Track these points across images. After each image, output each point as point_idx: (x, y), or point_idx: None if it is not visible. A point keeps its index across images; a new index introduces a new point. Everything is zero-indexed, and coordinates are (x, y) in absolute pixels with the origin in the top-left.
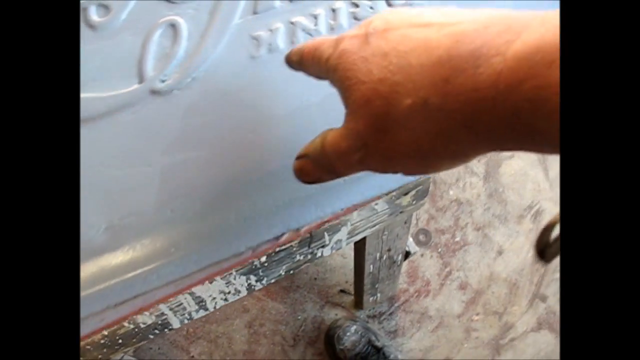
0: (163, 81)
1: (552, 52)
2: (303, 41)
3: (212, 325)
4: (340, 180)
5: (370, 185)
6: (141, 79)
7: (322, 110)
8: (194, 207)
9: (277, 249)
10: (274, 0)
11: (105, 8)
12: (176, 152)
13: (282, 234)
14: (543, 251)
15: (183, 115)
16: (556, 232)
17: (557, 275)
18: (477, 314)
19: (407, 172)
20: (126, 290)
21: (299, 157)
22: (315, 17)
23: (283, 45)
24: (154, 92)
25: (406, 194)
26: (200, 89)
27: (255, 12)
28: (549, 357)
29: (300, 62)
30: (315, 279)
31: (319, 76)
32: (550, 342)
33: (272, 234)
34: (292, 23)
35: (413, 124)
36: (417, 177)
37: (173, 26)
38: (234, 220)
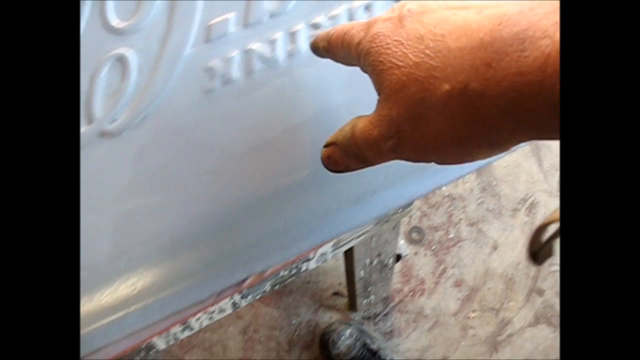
0: (112, 122)
1: None
2: (259, 70)
3: (206, 333)
4: (307, 218)
5: (339, 222)
6: (89, 119)
7: (281, 147)
8: (151, 256)
9: None
10: (227, 25)
11: None
12: (129, 198)
13: (246, 278)
14: (536, 254)
15: (135, 157)
16: (548, 233)
17: (554, 268)
18: (474, 311)
19: (442, 162)
20: (85, 344)
21: (327, 145)
22: (273, 42)
23: (238, 76)
24: (104, 134)
25: None
26: (152, 128)
27: (208, 40)
28: (547, 351)
29: (327, 48)
30: (308, 282)
31: (349, 62)
32: (548, 336)
33: (236, 278)
34: (247, 51)
35: (451, 110)
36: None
37: (122, 60)
38: (194, 268)
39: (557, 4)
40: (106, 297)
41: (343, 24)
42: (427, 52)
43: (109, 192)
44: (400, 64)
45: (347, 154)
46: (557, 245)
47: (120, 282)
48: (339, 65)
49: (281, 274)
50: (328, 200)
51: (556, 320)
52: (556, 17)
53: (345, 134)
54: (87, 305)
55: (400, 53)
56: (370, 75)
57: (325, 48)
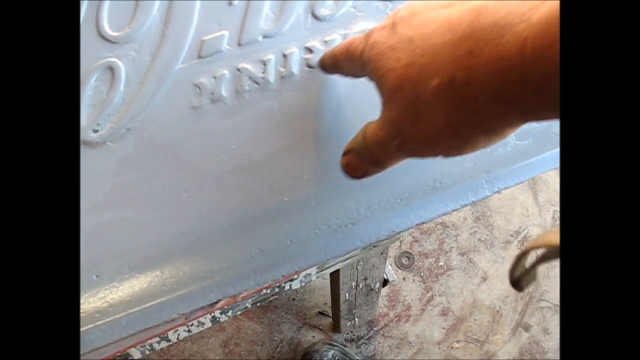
0: (96, 131)
1: None
2: (249, 90)
3: (186, 343)
4: (284, 244)
5: (315, 251)
6: None
7: (263, 170)
8: (121, 272)
9: None
10: (221, 43)
11: None
12: (104, 211)
13: (218, 301)
14: (518, 280)
15: (115, 170)
16: (531, 259)
17: (542, 304)
18: (458, 342)
19: (445, 154)
20: None
21: (345, 154)
22: (265, 63)
23: (227, 95)
24: (85, 143)
25: None
26: (135, 141)
27: (200, 56)
28: None
29: (334, 64)
30: (294, 299)
31: (355, 74)
32: None
33: (207, 300)
34: (238, 69)
35: (442, 102)
36: (368, 240)
37: (111, 69)
38: (166, 286)
39: None
40: None
41: (346, 39)
42: (417, 51)
43: (85, 203)
44: (395, 67)
45: (363, 159)
46: (540, 271)
47: (90, 295)
48: (329, 91)
49: (264, 292)
50: (307, 228)
51: (541, 357)
52: (532, 3)
53: (359, 140)
54: None
55: (394, 57)
56: (373, 82)
57: (332, 64)
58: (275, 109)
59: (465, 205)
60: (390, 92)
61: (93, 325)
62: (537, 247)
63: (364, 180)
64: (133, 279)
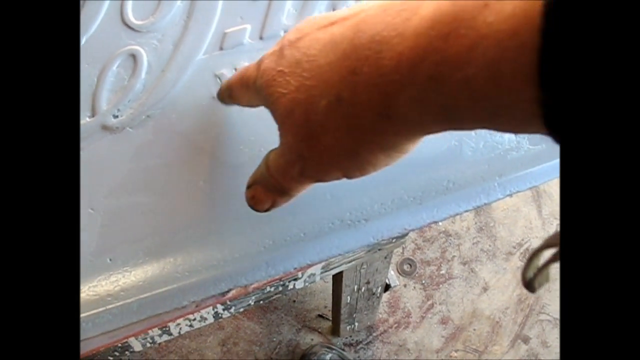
0: (116, 117)
1: (447, 24)
2: None
3: (185, 340)
4: (297, 237)
5: (327, 246)
6: (93, 112)
7: None
8: (135, 257)
9: None
10: (243, 36)
11: None
12: (122, 195)
13: (229, 290)
14: (531, 281)
15: (133, 155)
16: (543, 259)
17: (542, 317)
18: (457, 351)
19: (349, 175)
20: None
21: (248, 187)
22: None
23: None
24: (105, 128)
25: None
26: (154, 128)
27: (221, 48)
28: None
29: (231, 95)
30: (294, 301)
31: (252, 104)
32: None
33: (219, 289)
34: None
35: (334, 123)
36: (381, 236)
37: (133, 57)
38: (178, 273)
39: (410, 2)
40: (86, 291)
41: (240, 68)
42: (304, 74)
43: (102, 186)
44: (285, 91)
45: (268, 190)
46: (552, 271)
47: (102, 278)
48: None
49: (267, 289)
50: (320, 222)
51: None
52: (406, 13)
53: (262, 171)
54: None
55: (284, 82)
56: (268, 109)
57: (229, 95)
58: None
59: (477, 206)
60: (283, 117)
61: (104, 308)
62: (549, 246)
63: (379, 176)
64: (146, 264)
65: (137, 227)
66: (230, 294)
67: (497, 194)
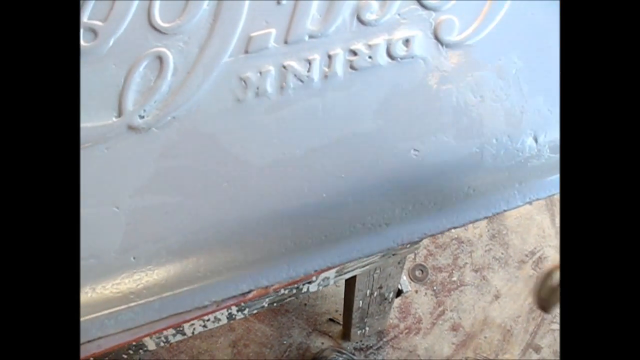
0: (142, 117)
1: None
2: (293, 87)
3: (196, 340)
4: (319, 240)
5: (348, 249)
6: (120, 112)
7: (303, 165)
8: (158, 256)
9: None
10: (268, 40)
11: (93, 32)
12: (146, 195)
13: (250, 291)
14: (546, 301)
15: (158, 156)
16: (555, 279)
17: (554, 326)
18: (467, 358)
19: None
20: (82, 333)
21: None
22: (310, 62)
23: (271, 90)
24: (131, 128)
25: None
26: (179, 129)
27: (247, 51)
28: None
29: None
30: (306, 304)
31: None
32: None
33: (240, 289)
34: (284, 67)
35: None
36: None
37: (160, 59)
38: (200, 273)
39: None
40: (109, 288)
41: None
42: None
43: (127, 186)
44: None
45: None
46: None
47: (126, 276)
48: (373, 92)
49: (281, 292)
50: (341, 226)
51: None
52: None
53: None
54: (90, 294)
55: None
56: None
57: None
58: (317, 107)
59: (497, 213)
60: None
61: (126, 306)
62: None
63: (400, 182)
64: (169, 264)
65: (161, 226)
66: (250, 295)
67: (516, 201)
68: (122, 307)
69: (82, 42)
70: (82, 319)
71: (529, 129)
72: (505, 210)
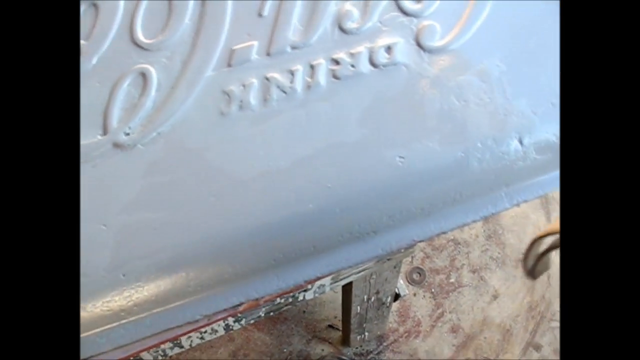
0: (127, 134)
1: None
2: (277, 99)
3: (195, 352)
4: (307, 250)
5: (337, 259)
6: (105, 130)
7: (289, 177)
8: (148, 272)
9: None
10: (250, 52)
11: None
12: (134, 212)
13: (241, 303)
14: (532, 268)
15: (145, 172)
16: (544, 245)
17: (553, 324)
18: None
19: None
20: None
21: None
22: (292, 73)
23: (255, 103)
24: (117, 146)
25: None
26: (165, 145)
27: (229, 65)
28: None
29: None
30: (304, 312)
31: None
32: None
33: (230, 303)
34: (267, 79)
35: None
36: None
37: (143, 75)
38: (190, 287)
39: None
40: (99, 307)
41: None
42: None
43: (115, 203)
44: None
45: None
46: (552, 258)
47: (116, 293)
48: (356, 101)
49: (277, 301)
50: (329, 236)
51: None
52: None
53: None
54: (81, 313)
55: None
56: None
57: None
58: (301, 118)
59: (485, 216)
60: None
61: (117, 323)
62: (548, 234)
63: (387, 190)
64: (158, 279)
65: (149, 242)
66: (241, 307)
67: (504, 204)
68: (114, 324)
69: None
70: None
71: (513, 132)
72: (493, 214)
